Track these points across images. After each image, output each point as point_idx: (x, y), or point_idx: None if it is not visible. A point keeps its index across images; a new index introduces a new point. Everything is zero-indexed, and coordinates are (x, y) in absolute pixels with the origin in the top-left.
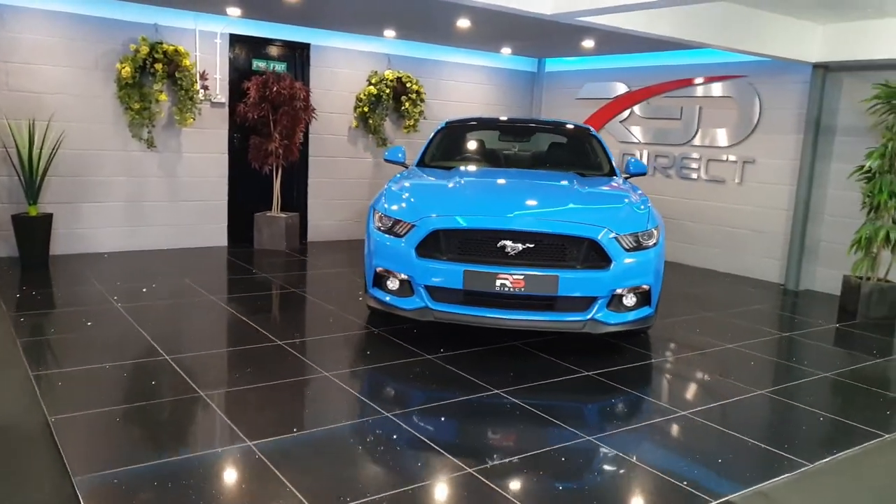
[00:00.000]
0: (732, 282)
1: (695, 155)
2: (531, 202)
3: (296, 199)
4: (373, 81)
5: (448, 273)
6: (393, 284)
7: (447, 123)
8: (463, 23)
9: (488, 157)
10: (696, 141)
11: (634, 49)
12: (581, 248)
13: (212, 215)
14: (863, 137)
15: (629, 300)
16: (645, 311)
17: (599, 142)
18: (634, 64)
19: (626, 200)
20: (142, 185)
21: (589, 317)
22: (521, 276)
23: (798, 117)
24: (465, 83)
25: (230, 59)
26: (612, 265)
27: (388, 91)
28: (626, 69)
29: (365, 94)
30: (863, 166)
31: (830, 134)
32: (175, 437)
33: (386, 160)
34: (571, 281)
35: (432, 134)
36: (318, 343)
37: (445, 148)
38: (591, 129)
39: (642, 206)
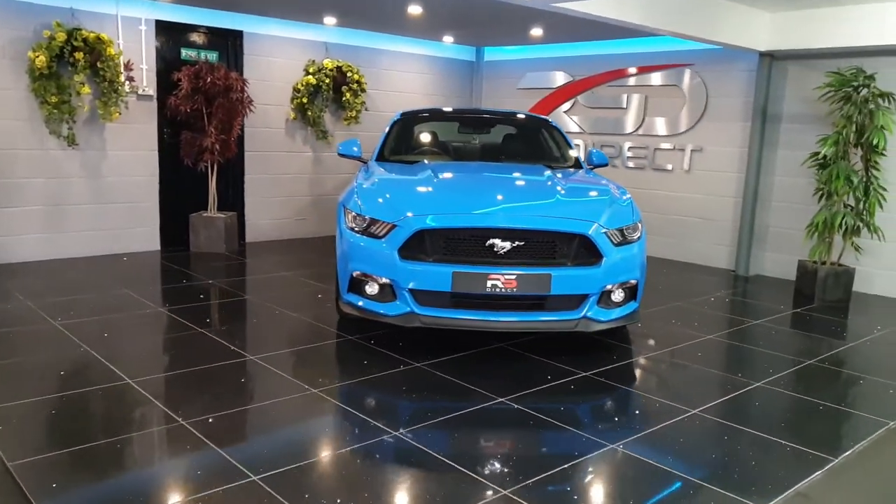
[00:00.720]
0: (685, 269)
1: (642, 144)
2: (516, 198)
3: (232, 197)
4: (311, 71)
5: (435, 275)
6: (372, 289)
7: (402, 115)
8: (414, 9)
9: (450, 150)
10: (643, 130)
11: (584, 37)
12: (572, 244)
13: (142, 218)
14: (809, 125)
15: (618, 296)
16: (632, 305)
17: (561, 133)
18: (577, 53)
19: (609, 193)
20: (62, 186)
21: (581, 315)
22: (514, 276)
23: (745, 105)
24: (404, 73)
25: (157, 47)
26: (603, 261)
27: (327, 81)
28: (568, 58)
29: (303, 85)
30: (816, 153)
31: (777, 122)
32: (164, 474)
33: (340, 155)
34: (564, 279)
35: (388, 126)
36: (295, 356)
37: (404, 141)
38: (551, 120)
39: (625, 199)
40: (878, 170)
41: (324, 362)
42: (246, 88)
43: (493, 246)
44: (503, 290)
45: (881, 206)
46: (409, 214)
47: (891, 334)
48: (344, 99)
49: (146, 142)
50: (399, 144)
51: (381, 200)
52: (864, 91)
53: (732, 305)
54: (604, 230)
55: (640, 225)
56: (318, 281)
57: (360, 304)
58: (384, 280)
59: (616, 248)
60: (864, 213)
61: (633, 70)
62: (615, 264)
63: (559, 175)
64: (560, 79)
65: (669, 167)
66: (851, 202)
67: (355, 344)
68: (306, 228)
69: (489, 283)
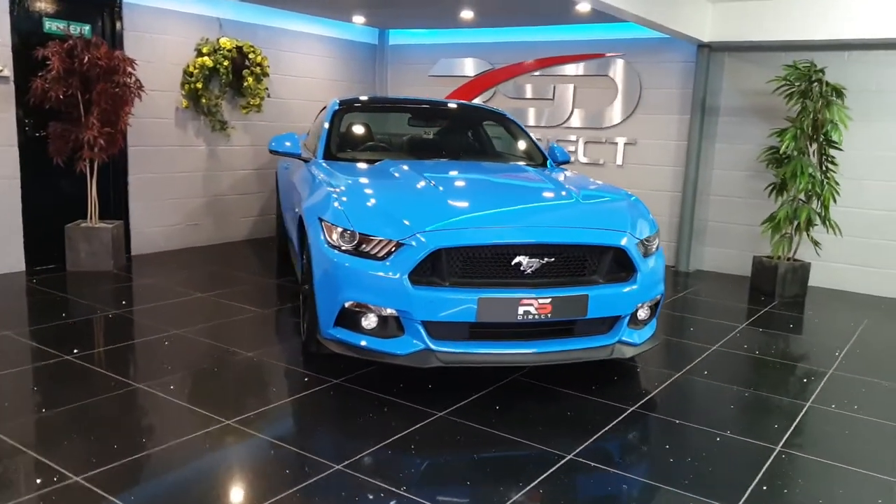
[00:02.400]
0: None
1: (571, 137)
2: (535, 206)
3: (115, 202)
4: (205, 51)
5: (456, 304)
6: (370, 322)
7: (340, 104)
8: None
9: (407, 147)
10: (572, 122)
11: (508, 22)
12: (605, 258)
13: None
14: (747, 118)
15: (644, 313)
16: (653, 324)
17: (521, 128)
18: (497, 39)
19: (625, 197)
20: None
21: (616, 339)
22: (548, 300)
23: (681, 97)
24: (306, 56)
25: (12, 18)
26: (637, 276)
27: (226, 64)
28: (487, 45)
29: (196, 67)
30: (772, 148)
31: (714, 115)
32: None
33: (273, 151)
34: (601, 299)
35: (328, 118)
36: (282, 414)
37: (350, 135)
38: (507, 113)
39: (641, 204)
40: (834, 164)
41: (325, 423)
42: (134, 71)
43: (519, 265)
44: (537, 316)
45: (835, 201)
46: (420, 230)
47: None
48: (245, 85)
49: (2, 135)
50: (345, 140)
51: (373, 212)
52: (816, 85)
53: (702, 307)
54: (636, 240)
55: (657, 232)
56: (248, 302)
57: (357, 342)
58: (389, 311)
59: (645, 259)
60: (820, 207)
61: (563, 59)
62: (647, 278)
63: (559, 176)
64: (478, 67)
65: (601, 161)
66: (802, 197)
67: (346, 391)
68: (201, 235)
69: (521, 310)
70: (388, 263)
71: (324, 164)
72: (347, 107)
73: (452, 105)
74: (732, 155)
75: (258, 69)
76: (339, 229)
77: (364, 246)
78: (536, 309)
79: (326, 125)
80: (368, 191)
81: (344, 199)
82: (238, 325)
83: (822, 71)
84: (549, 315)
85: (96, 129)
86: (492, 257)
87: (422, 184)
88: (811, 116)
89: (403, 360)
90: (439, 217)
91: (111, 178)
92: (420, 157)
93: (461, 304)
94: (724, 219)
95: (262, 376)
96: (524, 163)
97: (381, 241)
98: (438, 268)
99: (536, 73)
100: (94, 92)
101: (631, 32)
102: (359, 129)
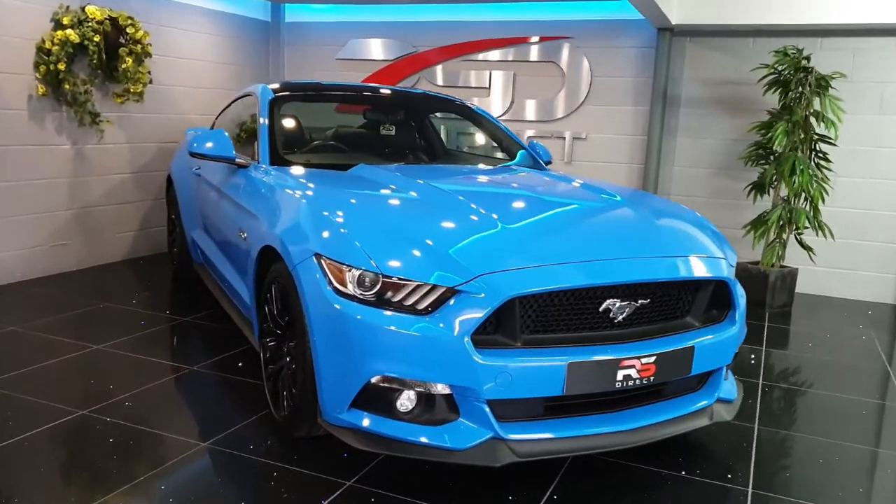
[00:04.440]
0: None
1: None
2: (610, 230)
3: None
4: (66, 22)
5: (540, 373)
6: (407, 403)
7: (275, 94)
8: None
9: (367, 146)
10: (512, 115)
11: None
12: (702, 294)
13: None
14: (709, 110)
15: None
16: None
17: (495, 122)
18: (420, 18)
19: (685, 210)
20: None
21: (715, 398)
22: (652, 358)
23: (636, 86)
24: (188, 32)
25: None
26: (736, 313)
27: (96, 39)
28: (409, 24)
29: (57, 42)
30: (760, 144)
31: (675, 106)
32: None
33: (195, 154)
34: (706, 350)
35: (264, 110)
36: None
37: (295, 133)
38: (474, 105)
39: (703, 218)
40: (828, 160)
41: None
42: None
43: (608, 311)
44: (638, 381)
45: (823, 201)
46: (484, 270)
47: None
48: (123, 67)
49: None
50: (291, 139)
51: (403, 244)
52: (803, 75)
53: None
54: (731, 267)
55: None
56: (160, 355)
57: (386, 430)
58: (439, 388)
59: (739, 289)
60: (809, 208)
61: (501, 41)
62: (742, 316)
63: (596, 183)
64: (397, 49)
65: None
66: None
67: (361, 495)
68: (70, 258)
69: (620, 375)
70: (437, 319)
71: (276, 173)
72: (284, 96)
73: (414, 94)
74: (694, 151)
75: (138, 48)
76: (355, 270)
77: (392, 294)
78: (638, 371)
79: (264, 120)
80: (382, 214)
81: (352, 225)
82: (157, 397)
83: (808, 58)
84: (651, 378)
85: None
86: (574, 303)
87: (458, 204)
88: (803, 109)
89: (463, 458)
90: (504, 252)
91: None
92: (390, 159)
93: (546, 372)
94: None
95: (243, 473)
96: (522, 165)
97: (421, 287)
98: (506, 322)
99: (469, 58)
100: None
101: (579, 13)
102: (303, 125)
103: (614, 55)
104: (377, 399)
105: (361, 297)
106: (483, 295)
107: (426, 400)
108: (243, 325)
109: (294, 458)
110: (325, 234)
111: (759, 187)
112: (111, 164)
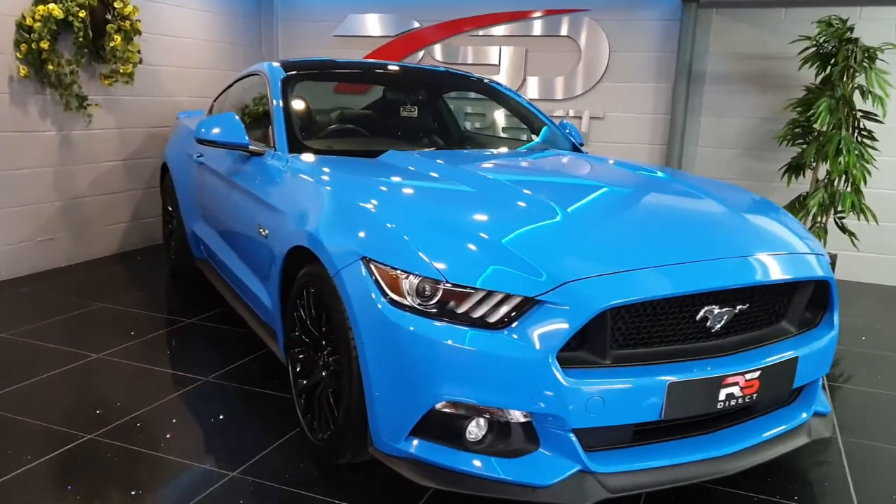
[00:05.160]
0: None
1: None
2: (701, 226)
3: None
4: None
5: (636, 395)
6: (477, 432)
7: (285, 70)
8: None
9: (388, 129)
10: (525, 93)
11: None
12: (800, 296)
13: None
14: (735, 87)
15: None
16: None
17: (523, 102)
18: None
19: (763, 200)
20: None
21: (812, 412)
22: (757, 373)
23: (658, 62)
24: (177, 7)
25: None
26: (833, 316)
27: (82, 14)
28: None
29: (39, 18)
30: (797, 122)
31: (699, 83)
32: None
33: (202, 141)
34: (808, 359)
35: (276, 92)
36: None
37: (311, 116)
38: (498, 83)
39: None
40: (873, 139)
41: None
42: None
43: (704, 320)
44: (741, 399)
45: (865, 183)
46: (570, 276)
47: None
48: (111, 45)
49: None
50: (307, 123)
51: (472, 246)
52: (850, 48)
53: None
54: (827, 263)
55: None
56: (166, 363)
57: (454, 463)
58: (516, 415)
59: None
60: (851, 191)
61: (511, 15)
62: (838, 318)
63: (662, 171)
64: (399, 24)
65: None
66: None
67: None
68: (59, 253)
69: (723, 393)
70: (512, 335)
71: (299, 161)
72: (296, 75)
73: (435, 72)
74: (720, 130)
75: (127, 24)
76: (413, 277)
77: (457, 304)
78: (742, 389)
79: (277, 102)
80: (436, 210)
81: (404, 222)
82: (171, 415)
83: (851, 29)
84: (754, 396)
85: None
86: (669, 312)
87: (520, 197)
88: (850, 84)
89: (547, 496)
90: (588, 253)
91: None
92: (417, 143)
93: (643, 394)
94: None
95: None
96: (559, 148)
97: (492, 296)
98: (594, 337)
99: (477, 33)
100: None
101: None
102: (323, 107)
103: (634, 28)
104: (442, 427)
105: (421, 308)
106: (569, 306)
107: (500, 428)
108: (261, 330)
109: (338, 488)
110: (373, 234)
111: (795, 168)
112: (99, 151)
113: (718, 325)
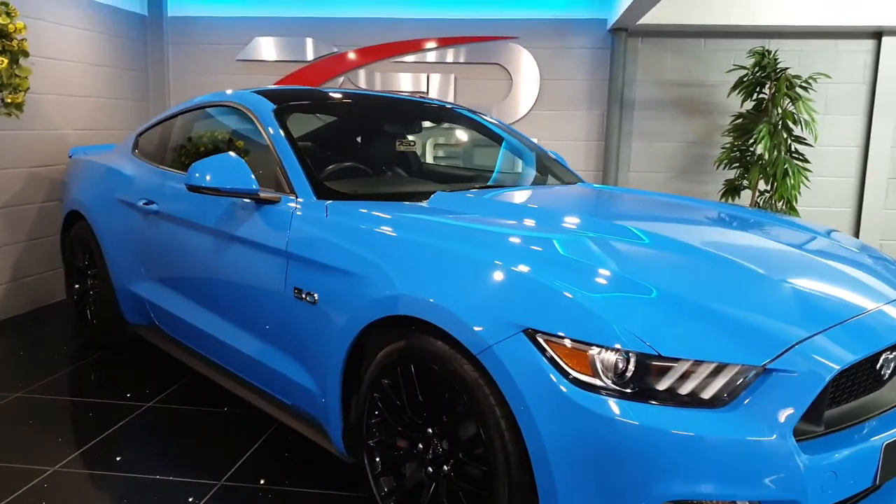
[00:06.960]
0: None
1: (453, 141)
2: (836, 267)
3: None
4: None
5: (858, 462)
6: None
7: (272, 101)
8: None
9: (395, 165)
10: None
11: None
12: None
13: None
14: (664, 112)
15: None
16: None
17: (516, 133)
18: (341, 14)
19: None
20: None
21: None
22: None
23: (589, 89)
24: (58, 26)
25: None
26: None
27: None
28: (326, 21)
29: None
30: (733, 146)
31: (630, 109)
32: None
33: (196, 188)
34: None
35: (275, 127)
36: None
37: (319, 153)
38: (486, 118)
39: None
40: (806, 160)
41: None
42: None
43: (882, 367)
44: None
45: (796, 201)
46: (799, 337)
47: None
48: None
49: None
50: (317, 162)
51: (670, 309)
52: (779, 75)
53: None
54: None
55: None
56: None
57: None
58: None
59: None
60: (785, 209)
61: (438, 41)
62: None
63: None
64: (314, 49)
65: None
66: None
67: None
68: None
69: None
70: (735, 414)
71: (351, 209)
72: (288, 106)
73: (432, 104)
74: (651, 155)
75: (14, 45)
76: (607, 351)
77: (655, 379)
78: None
79: (281, 139)
80: (607, 267)
81: (576, 285)
82: None
83: (776, 59)
84: None
85: None
86: (858, 364)
87: (698, 252)
88: (781, 111)
89: None
90: (808, 314)
91: None
92: (433, 180)
93: (865, 461)
94: None
95: None
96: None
97: (702, 366)
98: (812, 406)
99: (403, 59)
100: None
101: (527, 11)
102: (326, 143)
103: (565, 56)
104: None
105: (619, 388)
106: (797, 373)
107: None
108: (284, 415)
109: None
110: (535, 301)
111: (732, 190)
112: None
113: (887, 372)
